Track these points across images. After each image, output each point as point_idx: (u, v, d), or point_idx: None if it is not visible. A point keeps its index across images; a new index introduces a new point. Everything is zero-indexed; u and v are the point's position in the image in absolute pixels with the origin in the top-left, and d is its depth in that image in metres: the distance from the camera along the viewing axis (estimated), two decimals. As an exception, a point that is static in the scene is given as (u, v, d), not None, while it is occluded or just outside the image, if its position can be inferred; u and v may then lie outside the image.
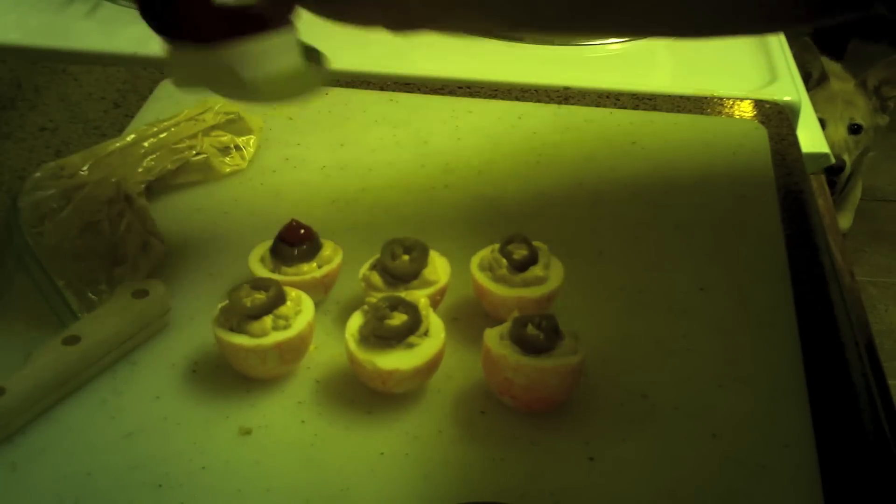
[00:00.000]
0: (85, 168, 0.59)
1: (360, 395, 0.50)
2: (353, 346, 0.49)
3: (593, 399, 0.50)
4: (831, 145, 1.86)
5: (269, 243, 0.56)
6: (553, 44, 0.90)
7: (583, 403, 0.50)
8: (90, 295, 0.54)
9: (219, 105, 0.70)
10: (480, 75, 0.82)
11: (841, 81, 2.02)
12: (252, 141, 0.70)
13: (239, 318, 0.49)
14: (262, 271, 0.54)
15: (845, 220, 2.13)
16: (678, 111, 0.78)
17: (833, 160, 0.99)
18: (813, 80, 2.01)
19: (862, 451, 0.49)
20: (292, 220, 0.55)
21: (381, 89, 0.80)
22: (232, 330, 0.50)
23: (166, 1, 0.45)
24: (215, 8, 0.44)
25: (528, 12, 0.47)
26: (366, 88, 0.80)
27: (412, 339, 0.49)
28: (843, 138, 1.96)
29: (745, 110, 0.78)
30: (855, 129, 1.98)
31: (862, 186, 2.13)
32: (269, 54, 0.46)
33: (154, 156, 0.64)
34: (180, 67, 0.49)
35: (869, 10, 0.49)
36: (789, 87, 0.83)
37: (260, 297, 0.50)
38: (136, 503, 0.45)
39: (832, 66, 2.09)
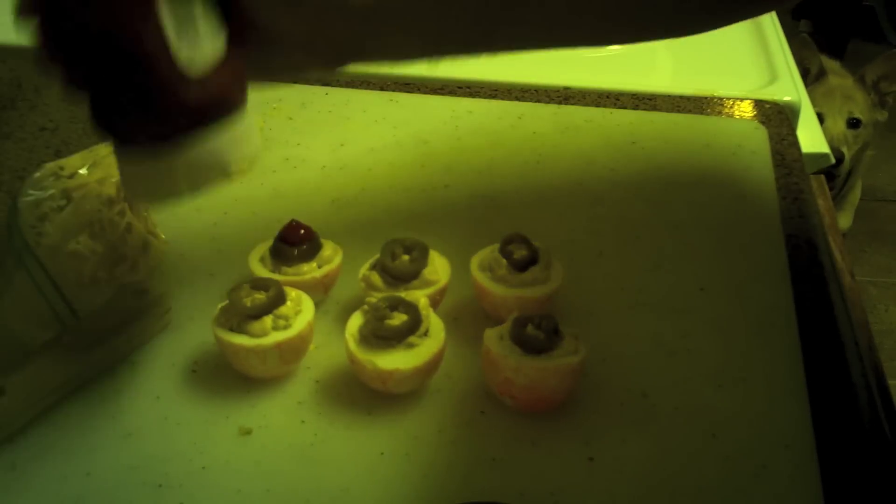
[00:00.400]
0: (85, 168, 0.59)
1: (360, 395, 0.50)
2: (353, 346, 0.49)
3: (593, 399, 0.50)
4: (830, 139, 1.86)
5: (269, 243, 0.56)
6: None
7: (583, 403, 0.50)
8: (90, 295, 0.54)
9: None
10: (480, 75, 0.82)
11: (839, 77, 2.02)
12: (252, 141, 0.70)
13: (239, 318, 0.49)
14: (262, 271, 0.54)
15: (845, 220, 2.13)
16: (678, 111, 0.78)
17: (833, 160, 0.99)
18: (811, 76, 2.01)
19: (862, 452, 0.49)
20: (292, 220, 0.56)
21: (381, 89, 0.80)
22: (232, 330, 0.50)
23: (125, 105, 0.42)
24: (181, 101, 0.41)
25: (441, 36, 0.49)
26: (366, 88, 0.80)
27: (412, 339, 0.49)
28: (842, 132, 1.96)
29: (745, 110, 0.78)
30: (854, 124, 1.97)
31: (862, 186, 2.13)
32: (240, 135, 0.44)
33: (154, 156, 0.64)
34: (136, 177, 0.45)
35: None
36: (789, 87, 0.83)
37: (260, 297, 0.50)
38: (136, 503, 0.45)
39: (830, 64, 2.09)
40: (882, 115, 2.04)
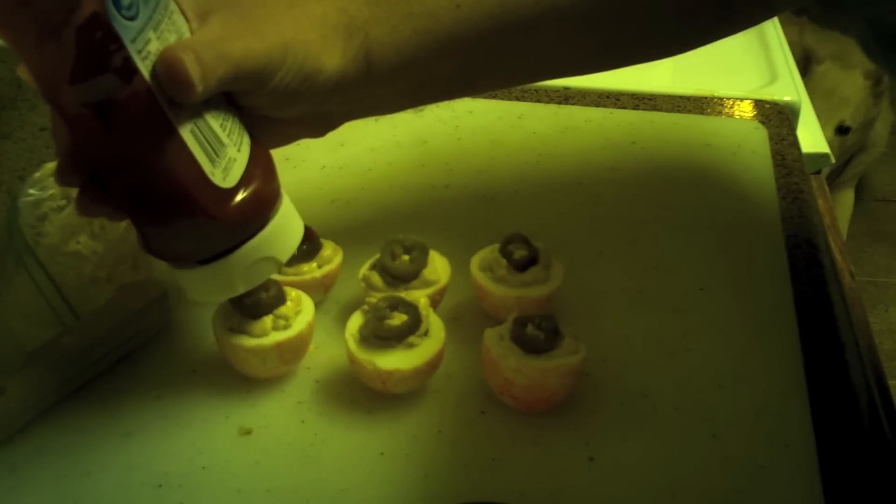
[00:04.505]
0: (85, 168, 0.59)
1: (360, 395, 0.50)
2: (353, 346, 0.49)
3: (593, 399, 0.50)
4: None
5: (269, 243, 0.56)
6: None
7: (583, 403, 0.50)
8: (90, 295, 0.54)
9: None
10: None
11: (842, 71, 1.98)
12: (252, 141, 0.70)
13: (239, 318, 0.49)
14: (262, 271, 0.54)
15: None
16: (678, 111, 0.78)
17: (833, 160, 0.99)
18: (812, 63, 1.98)
19: (862, 452, 0.49)
20: (292, 220, 0.56)
21: (381, 89, 0.79)
22: (232, 330, 0.50)
23: (175, 235, 0.43)
24: (230, 218, 0.43)
25: (425, 91, 0.52)
26: (366, 88, 0.79)
27: (412, 339, 0.49)
28: (829, 139, 1.95)
29: (745, 110, 0.78)
30: (843, 130, 1.96)
31: (854, 198, 2.13)
32: (284, 226, 0.46)
33: (154, 156, 0.64)
34: (193, 286, 0.46)
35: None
36: (789, 87, 0.83)
37: (260, 297, 0.50)
38: (136, 503, 0.45)
39: (845, 47, 2.06)
40: (877, 112, 2.02)
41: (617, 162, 0.71)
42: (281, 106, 0.46)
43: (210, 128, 0.42)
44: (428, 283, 0.54)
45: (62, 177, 0.42)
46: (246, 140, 0.45)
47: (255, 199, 0.44)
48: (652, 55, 0.57)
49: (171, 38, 0.40)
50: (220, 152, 0.42)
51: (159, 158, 0.40)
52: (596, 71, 0.57)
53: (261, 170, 0.45)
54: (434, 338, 0.50)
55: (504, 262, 0.53)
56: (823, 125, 1.98)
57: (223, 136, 0.43)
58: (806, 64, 1.99)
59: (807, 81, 1.95)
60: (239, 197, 0.43)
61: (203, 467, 0.47)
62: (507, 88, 0.51)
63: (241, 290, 0.46)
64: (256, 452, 0.47)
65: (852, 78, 1.96)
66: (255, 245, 0.44)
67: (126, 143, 0.40)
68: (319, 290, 0.55)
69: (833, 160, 0.99)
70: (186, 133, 0.40)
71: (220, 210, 0.42)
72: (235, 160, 0.43)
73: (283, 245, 0.46)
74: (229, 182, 0.42)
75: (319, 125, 0.52)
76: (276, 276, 0.53)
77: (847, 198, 2.14)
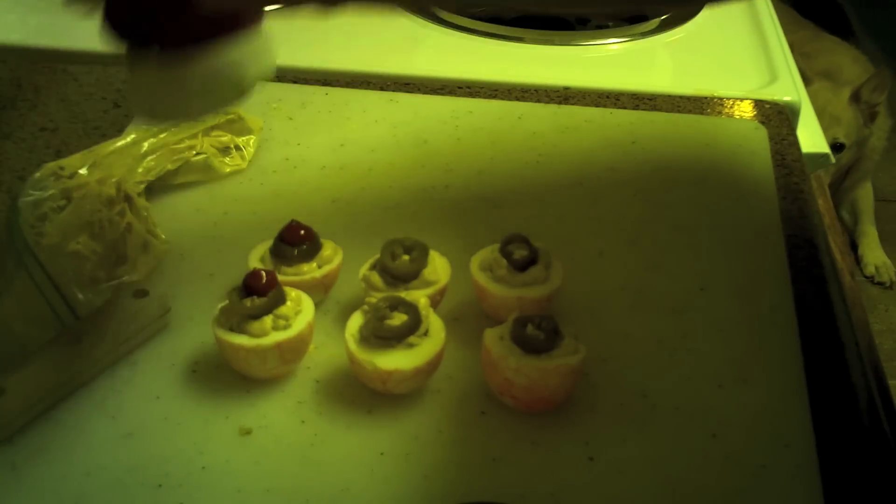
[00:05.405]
0: (85, 168, 0.59)
1: (360, 395, 0.50)
2: (353, 346, 0.49)
3: (593, 399, 0.50)
4: None
5: (269, 243, 0.56)
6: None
7: (583, 403, 0.50)
8: (90, 295, 0.54)
9: (219, 105, 0.70)
10: (480, 75, 0.82)
11: (831, 90, 1.98)
12: (252, 141, 0.70)
13: (239, 318, 0.49)
14: (262, 271, 0.54)
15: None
16: (678, 111, 0.78)
17: (833, 160, 0.99)
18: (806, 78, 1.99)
19: (862, 452, 0.49)
20: (292, 220, 0.55)
21: (381, 89, 0.80)
22: (232, 330, 0.50)
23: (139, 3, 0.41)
24: (193, 8, 0.40)
25: None
26: (366, 88, 0.80)
27: (412, 339, 0.49)
28: None
29: (745, 110, 0.78)
30: (837, 147, 1.96)
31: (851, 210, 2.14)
32: (256, 50, 0.43)
33: (154, 156, 0.64)
34: (148, 89, 0.43)
35: None
36: (789, 87, 0.83)
37: (260, 297, 0.50)
38: (136, 503, 0.45)
39: (845, 53, 2.05)
40: (869, 132, 2.02)
41: (617, 162, 0.71)
42: None
43: None
44: (428, 283, 0.54)
45: None
46: None
47: (231, 2, 0.41)
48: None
49: None
50: None
51: None
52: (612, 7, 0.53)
53: None
54: (434, 338, 0.50)
55: (504, 262, 0.53)
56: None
57: None
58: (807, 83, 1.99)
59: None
60: None
61: (203, 467, 0.47)
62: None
63: (196, 108, 0.44)
64: (256, 452, 0.47)
65: (841, 97, 1.96)
66: (218, 56, 0.42)
67: None
68: (319, 290, 0.55)
69: (833, 160, 0.99)
70: None
71: None
72: None
73: (248, 70, 0.43)
74: None
75: None
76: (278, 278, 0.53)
77: (866, 192, 2.15)
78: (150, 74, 0.42)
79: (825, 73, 2.01)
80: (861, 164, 2.10)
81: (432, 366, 0.49)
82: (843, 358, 0.54)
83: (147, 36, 0.42)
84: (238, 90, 0.43)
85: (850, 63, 2.06)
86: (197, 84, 0.42)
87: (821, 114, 1.96)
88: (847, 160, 2.00)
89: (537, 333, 0.48)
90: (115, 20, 0.41)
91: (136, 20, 0.41)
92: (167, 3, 0.40)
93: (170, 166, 0.65)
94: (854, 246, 2.11)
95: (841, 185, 2.11)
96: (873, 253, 2.07)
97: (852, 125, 1.96)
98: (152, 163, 0.64)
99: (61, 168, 0.58)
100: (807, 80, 1.97)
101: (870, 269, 2.06)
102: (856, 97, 1.96)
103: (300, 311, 0.51)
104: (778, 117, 0.77)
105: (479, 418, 0.49)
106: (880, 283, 2.03)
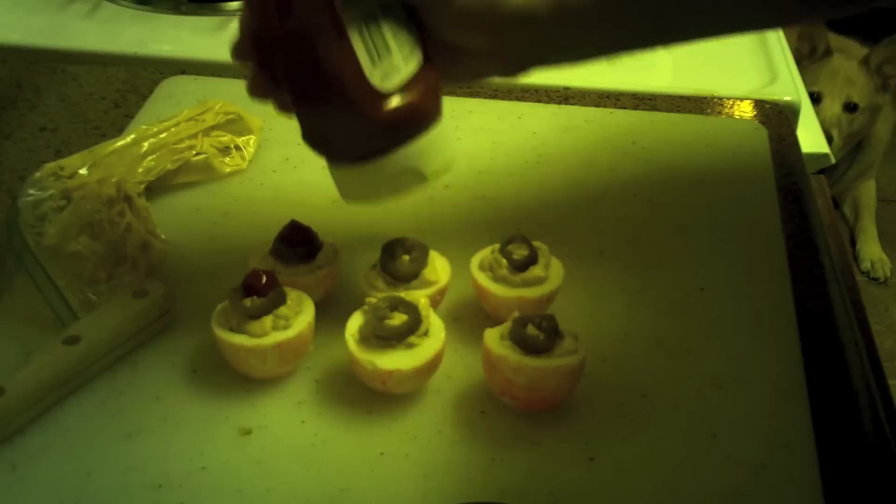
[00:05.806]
0: (85, 168, 0.59)
1: (360, 395, 0.50)
2: (353, 346, 0.49)
3: (593, 399, 0.50)
4: (823, 120, 1.87)
5: (269, 243, 0.56)
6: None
7: (583, 403, 0.50)
8: (90, 295, 0.54)
9: (219, 105, 0.70)
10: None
11: (845, 58, 2.01)
12: (252, 141, 0.70)
13: (239, 318, 0.49)
14: (262, 271, 0.54)
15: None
16: (678, 111, 0.78)
17: (833, 160, 0.99)
18: (817, 54, 2.01)
19: (862, 451, 0.49)
20: (292, 220, 0.56)
21: (381, 89, 0.79)
22: (232, 330, 0.50)
23: (330, 127, 0.46)
24: (378, 119, 0.45)
25: (620, 37, 0.51)
26: (366, 88, 0.79)
27: (412, 339, 0.49)
28: (837, 115, 1.97)
29: (745, 110, 0.78)
30: (851, 108, 1.98)
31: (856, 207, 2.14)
32: (435, 144, 0.47)
33: (154, 156, 0.64)
34: (342, 180, 0.49)
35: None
36: (789, 87, 0.83)
37: (260, 297, 0.50)
38: (136, 503, 0.45)
39: (843, 42, 2.08)
40: (883, 100, 2.04)
41: (617, 162, 0.71)
42: (464, 31, 0.46)
43: (380, 31, 0.45)
44: (428, 283, 0.54)
45: (240, 53, 0.46)
46: (417, 56, 0.46)
47: (408, 108, 0.45)
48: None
49: None
50: (384, 56, 0.45)
51: (322, 45, 0.44)
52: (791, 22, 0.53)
53: (423, 86, 0.46)
54: (434, 338, 0.50)
55: (504, 262, 0.53)
56: (832, 103, 2.00)
57: (392, 43, 0.45)
58: (811, 54, 2.01)
59: (813, 68, 1.97)
60: (393, 101, 0.45)
61: (203, 467, 0.47)
62: (700, 39, 0.46)
63: (385, 195, 0.49)
64: (256, 452, 0.47)
65: (853, 61, 2.00)
66: (403, 154, 0.46)
67: (295, 26, 0.44)
68: (319, 290, 0.55)
69: (833, 160, 0.99)
70: (353, 28, 0.44)
71: (370, 107, 0.45)
72: (399, 69, 0.45)
73: (430, 161, 0.47)
74: (386, 85, 0.45)
75: (508, 62, 0.50)
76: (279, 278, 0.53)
77: (869, 189, 2.15)
78: (341, 172, 0.49)
79: (838, 48, 2.03)
80: (866, 153, 2.11)
81: (432, 366, 0.49)
82: (843, 358, 0.54)
83: (339, 152, 0.48)
84: (422, 179, 0.48)
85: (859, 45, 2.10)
86: (383, 180, 0.48)
87: (835, 74, 1.99)
88: (859, 125, 2.01)
89: (537, 333, 0.48)
90: (311, 140, 0.48)
91: (326, 141, 0.48)
92: (347, 125, 0.46)
93: (170, 166, 0.65)
94: (854, 243, 2.12)
95: (847, 171, 2.11)
96: (870, 249, 2.08)
97: (865, 88, 1.99)
98: (152, 163, 0.64)
99: (61, 168, 0.58)
100: (826, 52, 2.01)
101: (866, 265, 2.07)
102: (866, 61, 1.98)
103: (300, 311, 0.51)
104: (778, 117, 0.77)
105: (479, 418, 0.49)
106: (875, 279, 2.04)
